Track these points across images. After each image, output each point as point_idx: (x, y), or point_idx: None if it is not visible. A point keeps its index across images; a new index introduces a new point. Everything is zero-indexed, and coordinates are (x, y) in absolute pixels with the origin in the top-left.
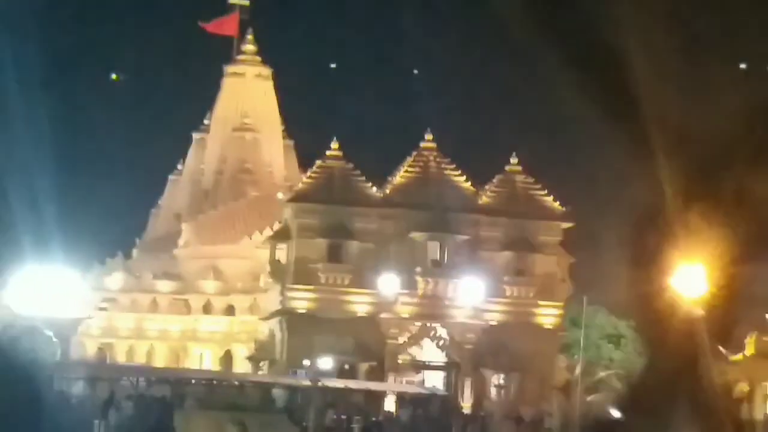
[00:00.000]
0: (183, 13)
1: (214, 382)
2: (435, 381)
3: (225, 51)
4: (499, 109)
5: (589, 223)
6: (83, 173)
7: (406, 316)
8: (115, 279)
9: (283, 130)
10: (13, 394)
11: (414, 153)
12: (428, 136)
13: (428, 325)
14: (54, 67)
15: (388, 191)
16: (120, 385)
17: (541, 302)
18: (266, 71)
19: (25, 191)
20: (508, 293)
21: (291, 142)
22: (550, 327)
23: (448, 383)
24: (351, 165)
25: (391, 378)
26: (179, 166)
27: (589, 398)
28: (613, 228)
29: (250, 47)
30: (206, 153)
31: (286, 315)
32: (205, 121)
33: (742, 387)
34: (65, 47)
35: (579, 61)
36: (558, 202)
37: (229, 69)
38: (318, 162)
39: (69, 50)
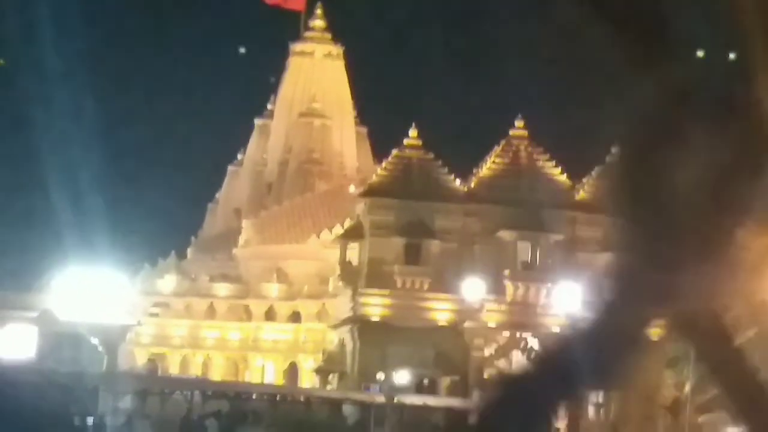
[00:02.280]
0: None
1: (278, 397)
2: None
3: (291, 27)
4: (600, 93)
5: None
6: (133, 164)
7: (493, 325)
8: (168, 281)
9: (355, 116)
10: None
11: (503, 142)
12: (519, 123)
13: (518, 335)
14: (102, 51)
15: (473, 185)
16: (173, 400)
17: None
18: (336, 50)
19: (68, 185)
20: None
21: (364, 129)
22: (656, 338)
23: None
24: (431, 155)
25: (475, 394)
26: (239, 156)
27: (700, 419)
28: (720, 230)
29: (318, 23)
30: (269, 141)
31: (358, 323)
32: (269, 106)
33: None
34: (113, 30)
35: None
36: None
37: (296, 47)
38: (394, 152)
39: (114, 34)
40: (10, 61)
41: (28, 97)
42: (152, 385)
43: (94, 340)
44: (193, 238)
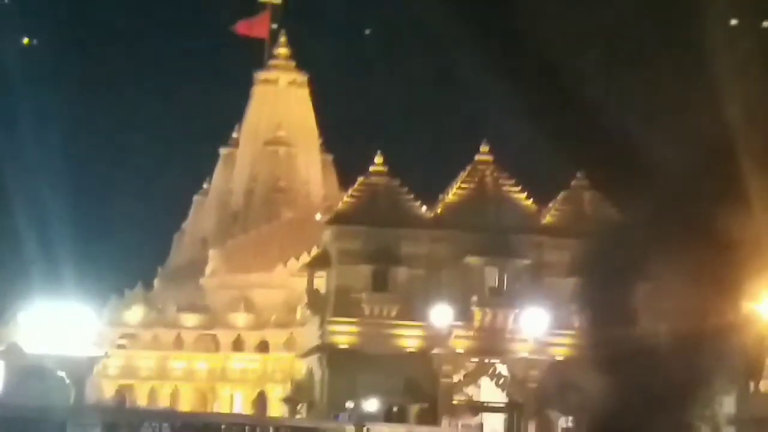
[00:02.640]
0: (208, 15)
1: (247, 427)
2: (494, 424)
3: (255, 56)
4: (565, 118)
5: (662, 244)
6: (98, 196)
7: (462, 351)
8: (135, 313)
9: (320, 144)
10: None
11: (468, 168)
12: (484, 149)
13: (486, 361)
14: (66, 82)
15: (439, 211)
16: None
17: None
18: (301, 78)
19: (35, 217)
20: (576, 324)
21: (330, 157)
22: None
23: (509, 427)
24: (397, 182)
25: (445, 422)
26: (205, 186)
27: None
28: (688, 251)
29: (282, 51)
30: (235, 170)
31: (327, 351)
32: (234, 135)
33: None
34: (78, 60)
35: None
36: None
37: (260, 75)
38: (360, 179)
39: (79, 63)
40: None
41: None
42: (120, 417)
43: (61, 373)
44: (159, 269)
